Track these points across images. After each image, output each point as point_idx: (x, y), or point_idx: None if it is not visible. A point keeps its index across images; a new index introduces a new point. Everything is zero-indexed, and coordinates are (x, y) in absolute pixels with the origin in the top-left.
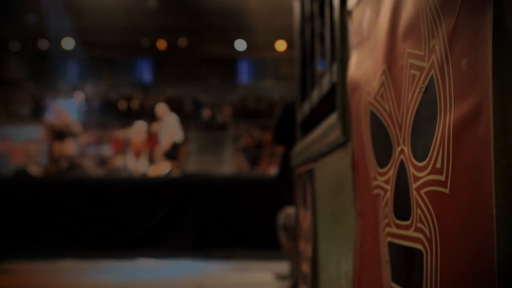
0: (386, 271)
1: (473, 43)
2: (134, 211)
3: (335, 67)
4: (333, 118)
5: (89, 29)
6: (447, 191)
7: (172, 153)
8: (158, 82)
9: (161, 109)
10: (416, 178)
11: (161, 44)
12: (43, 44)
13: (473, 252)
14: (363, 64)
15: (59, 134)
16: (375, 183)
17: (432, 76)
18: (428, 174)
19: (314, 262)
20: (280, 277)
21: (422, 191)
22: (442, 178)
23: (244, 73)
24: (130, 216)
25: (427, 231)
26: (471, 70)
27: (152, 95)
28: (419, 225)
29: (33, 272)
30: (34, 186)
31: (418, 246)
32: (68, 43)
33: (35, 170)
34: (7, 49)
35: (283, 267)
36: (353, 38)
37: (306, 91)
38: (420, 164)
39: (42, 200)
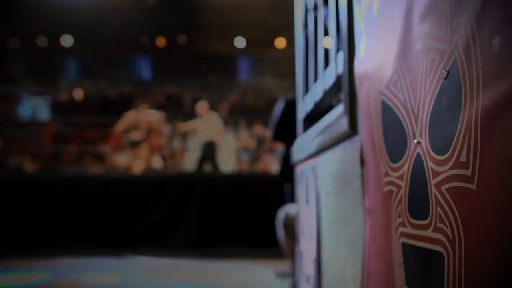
0: (399, 275)
1: (507, 18)
2: (132, 208)
3: (340, 57)
4: (338, 110)
5: (88, 26)
6: (473, 187)
7: (209, 153)
8: (157, 79)
9: (202, 106)
10: (436, 173)
11: (160, 41)
12: (42, 41)
13: (505, 256)
14: (373, 52)
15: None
16: (386, 179)
17: (455, 59)
18: (450, 168)
19: (318, 263)
20: (281, 276)
21: (443, 188)
22: (468, 172)
23: (243, 71)
24: (129, 213)
25: (448, 232)
26: (504, 49)
27: (151, 92)
28: (439, 225)
29: (30, 270)
30: (32, 184)
31: (438, 248)
32: (67, 40)
33: (32, 166)
34: (6, 46)
35: (284, 265)
36: (361, 25)
37: (309, 85)
38: (441, 158)
39: (39, 198)
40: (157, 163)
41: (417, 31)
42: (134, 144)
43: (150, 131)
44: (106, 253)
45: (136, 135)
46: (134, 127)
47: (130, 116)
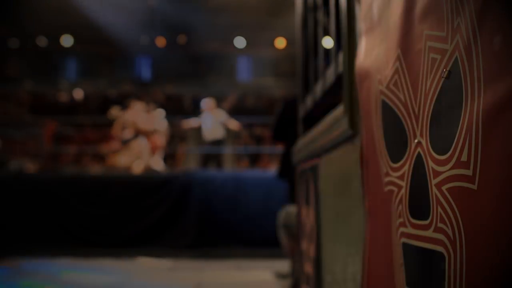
0: (400, 274)
1: (508, 18)
2: (132, 209)
3: (341, 57)
4: (339, 110)
5: (88, 26)
6: (474, 187)
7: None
8: (157, 79)
9: (208, 104)
10: (437, 173)
11: (160, 41)
12: (42, 41)
13: (507, 255)
14: (373, 52)
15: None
16: (387, 179)
17: (456, 59)
18: (451, 168)
19: (318, 263)
20: (280, 276)
21: (443, 187)
22: (469, 172)
23: (243, 71)
24: (129, 214)
25: (449, 232)
26: (505, 48)
27: (151, 92)
28: (440, 225)
29: (30, 271)
30: (32, 184)
31: (439, 248)
32: (67, 40)
33: (33, 167)
34: (6, 46)
35: (283, 265)
36: (361, 25)
37: (309, 85)
38: (442, 158)
39: (39, 198)
40: (157, 163)
41: (418, 30)
42: (125, 143)
43: (139, 131)
44: (106, 253)
45: (126, 134)
46: (124, 126)
47: (120, 117)
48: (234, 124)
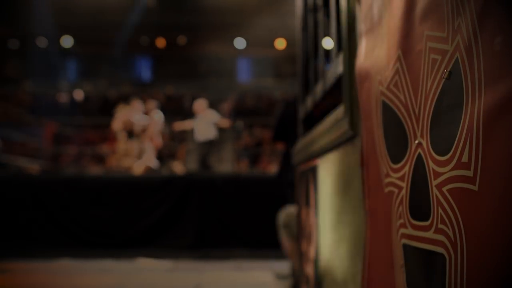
0: (400, 276)
1: (508, 18)
2: (132, 209)
3: (341, 58)
4: (339, 111)
5: (88, 27)
6: (475, 188)
7: (206, 153)
8: (157, 80)
9: (199, 105)
10: (437, 174)
11: (160, 42)
12: (42, 42)
13: (507, 256)
14: (373, 52)
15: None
16: (387, 180)
17: (457, 59)
18: (452, 169)
19: (318, 264)
20: (281, 276)
21: (444, 188)
22: (470, 173)
23: (243, 71)
24: (129, 214)
25: (450, 233)
26: (506, 49)
27: (151, 93)
28: (441, 226)
29: (30, 272)
30: (32, 184)
31: (439, 250)
32: (67, 41)
33: (33, 168)
34: (6, 46)
35: (284, 266)
36: (362, 25)
37: (309, 86)
38: (442, 158)
39: (39, 199)
40: (154, 163)
41: (418, 31)
42: (118, 142)
43: (126, 129)
44: (106, 254)
45: (121, 134)
46: (120, 126)
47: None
48: (224, 122)
